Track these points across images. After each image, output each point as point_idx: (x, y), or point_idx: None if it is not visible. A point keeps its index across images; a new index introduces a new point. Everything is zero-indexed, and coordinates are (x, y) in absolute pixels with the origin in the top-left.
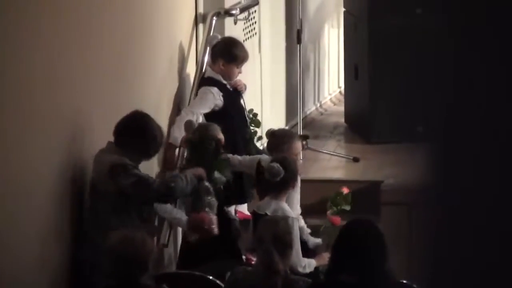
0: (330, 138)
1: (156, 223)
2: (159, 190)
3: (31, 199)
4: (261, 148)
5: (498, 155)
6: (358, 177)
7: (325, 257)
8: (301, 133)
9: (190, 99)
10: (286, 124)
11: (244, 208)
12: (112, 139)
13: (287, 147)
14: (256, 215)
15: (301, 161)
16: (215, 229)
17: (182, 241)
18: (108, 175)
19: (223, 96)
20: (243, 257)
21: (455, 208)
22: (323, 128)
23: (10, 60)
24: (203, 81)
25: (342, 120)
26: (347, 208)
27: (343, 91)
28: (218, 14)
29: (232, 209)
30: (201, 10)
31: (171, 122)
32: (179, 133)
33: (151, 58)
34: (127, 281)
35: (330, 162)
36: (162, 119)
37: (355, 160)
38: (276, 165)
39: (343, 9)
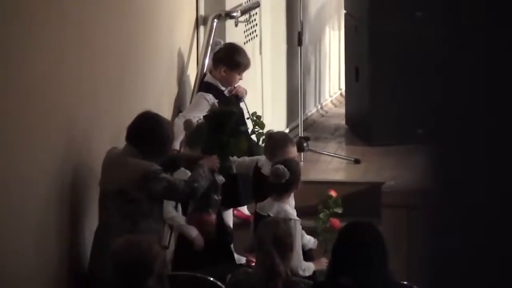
0: (331, 140)
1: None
2: (185, 191)
3: (31, 199)
4: None
5: (498, 158)
6: (358, 179)
7: (323, 262)
8: (301, 135)
9: (190, 102)
10: (287, 126)
11: (244, 208)
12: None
13: (281, 152)
14: (258, 216)
15: (301, 163)
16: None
17: (176, 245)
18: (143, 181)
19: (218, 103)
20: (236, 262)
21: (455, 210)
22: (324, 130)
23: (9, 62)
24: (201, 85)
25: (343, 122)
26: (339, 211)
27: (344, 93)
28: (219, 17)
29: (228, 212)
30: (202, 12)
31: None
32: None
33: (152, 60)
34: (132, 284)
35: (331, 164)
36: None
37: (356, 162)
38: (281, 167)
39: (344, 12)
